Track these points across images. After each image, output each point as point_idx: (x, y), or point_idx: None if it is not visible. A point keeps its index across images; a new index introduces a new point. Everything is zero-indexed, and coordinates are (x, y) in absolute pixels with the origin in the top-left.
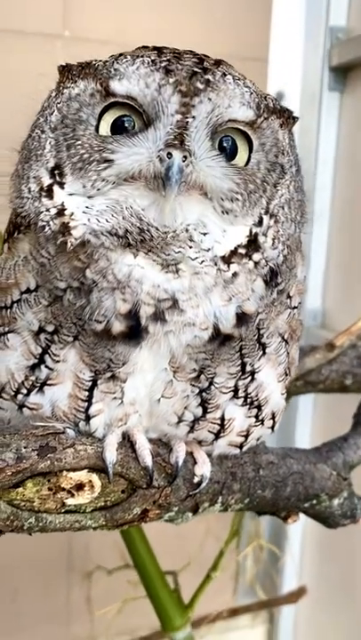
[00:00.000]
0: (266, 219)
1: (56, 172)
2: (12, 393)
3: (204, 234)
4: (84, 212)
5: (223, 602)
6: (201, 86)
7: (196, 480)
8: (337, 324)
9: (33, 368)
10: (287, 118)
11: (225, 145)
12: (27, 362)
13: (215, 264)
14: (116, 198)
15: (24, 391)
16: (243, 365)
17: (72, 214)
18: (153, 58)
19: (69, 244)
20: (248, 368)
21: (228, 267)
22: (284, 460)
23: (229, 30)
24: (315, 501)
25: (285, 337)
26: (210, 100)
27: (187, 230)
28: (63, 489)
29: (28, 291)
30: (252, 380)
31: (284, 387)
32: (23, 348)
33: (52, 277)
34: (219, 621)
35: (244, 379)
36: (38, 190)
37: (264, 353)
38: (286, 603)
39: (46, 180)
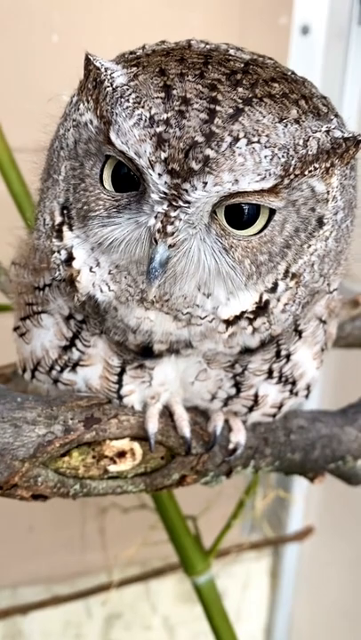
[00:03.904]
0: (282, 284)
1: (65, 211)
2: (47, 369)
3: (208, 295)
4: (90, 272)
5: (230, 536)
6: (196, 167)
7: (231, 447)
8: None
9: (65, 349)
10: (344, 152)
11: (236, 214)
12: (59, 342)
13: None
14: (116, 261)
15: (57, 368)
16: (278, 351)
17: (79, 272)
18: (153, 112)
19: (76, 299)
20: (283, 352)
21: (227, 329)
22: (313, 423)
23: None
24: (340, 462)
25: (323, 318)
26: (205, 184)
27: (185, 298)
28: (106, 457)
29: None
30: (288, 361)
31: (321, 361)
32: (56, 329)
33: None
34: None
35: (278, 361)
36: (50, 227)
37: (300, 337)
38: (293, 541)
39: (57, 218)
